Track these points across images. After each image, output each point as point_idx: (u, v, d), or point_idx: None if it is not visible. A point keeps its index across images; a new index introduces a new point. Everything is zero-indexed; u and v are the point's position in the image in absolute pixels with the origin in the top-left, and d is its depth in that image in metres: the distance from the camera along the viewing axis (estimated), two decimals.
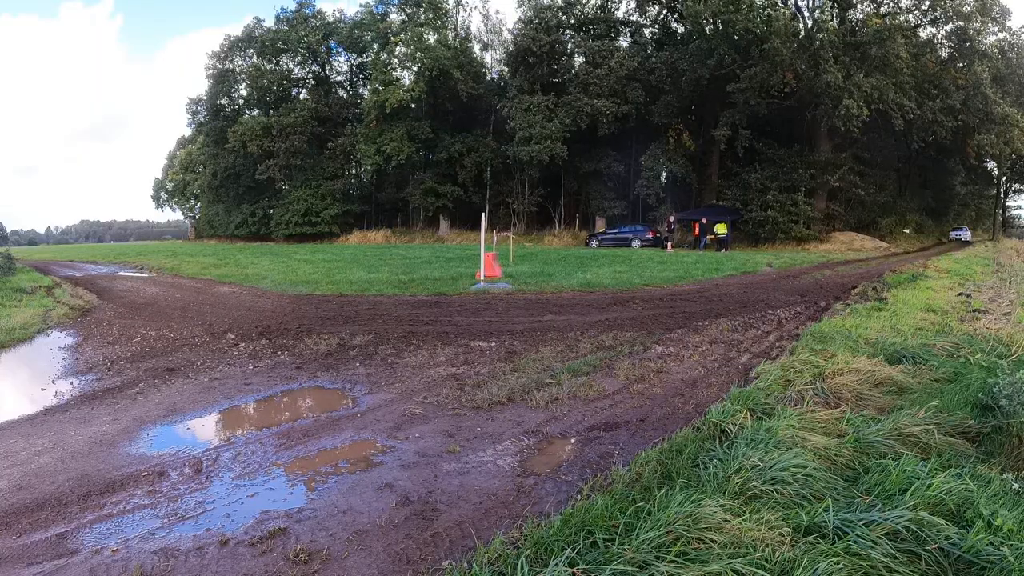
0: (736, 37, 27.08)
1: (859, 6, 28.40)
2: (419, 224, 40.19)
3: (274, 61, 42.50)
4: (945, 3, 27.62)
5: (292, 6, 43.29)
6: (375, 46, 38.26)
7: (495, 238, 17.52)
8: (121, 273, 19.39)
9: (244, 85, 43.52)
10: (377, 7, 38.89)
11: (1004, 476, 3.17)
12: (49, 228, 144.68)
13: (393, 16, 38.37)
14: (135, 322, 9.21)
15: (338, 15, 44.40)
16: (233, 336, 7.97)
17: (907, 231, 34.94)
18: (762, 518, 2.66)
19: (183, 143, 64.16)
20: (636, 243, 29.83)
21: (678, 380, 5.70)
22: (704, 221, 28.18)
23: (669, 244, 27.49)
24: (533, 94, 32.80)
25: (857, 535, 2.51)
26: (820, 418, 4.04)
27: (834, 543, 2.50)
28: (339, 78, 45.41)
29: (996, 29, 30.90)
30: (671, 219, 29.33)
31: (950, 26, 28.69)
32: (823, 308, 9.76)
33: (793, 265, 18.93)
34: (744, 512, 2.71)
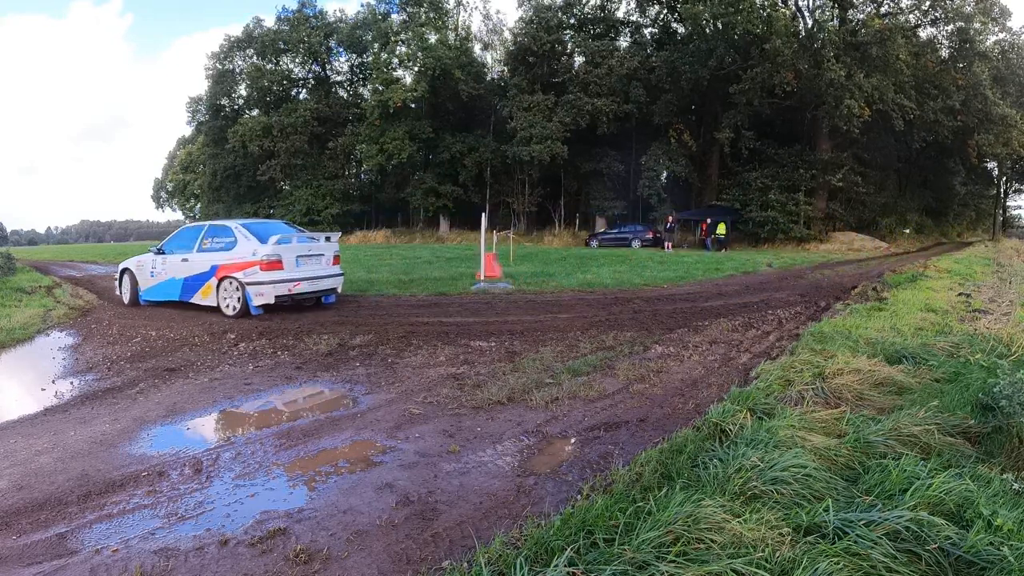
0: (736, 37, 27.10)
1: (860, 6, 28.42)
2: (419, 224, 40.21)
3: (274, 61, 42.47)
4: (945, 3, 27.64)
5: (293, 6, 43.36)
6: (376, 46, 38.25)
7: (495, 238, 17.51)
8: None
9: (244, 85, 43.49)
10: (378, 6, 38.95)
11: (1004, 476, 3.17)
12: (49, 228, 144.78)
13: (394, 16, 38.42)
14: (135, 322, 9.21)
15: (339, 15, 44.47)
16: (233, 336, 7.97)
17: (907, 231, 34.95)
18: (762, 518, 2.66)
19: (183, 143, 64.14)
20: (636, 243, 29.85)
21: (678, 380, 5.70)
22: (709, 221, 28.20)
23: (668, 244, 27.49)
24: (533, 93, 32.82)
25: (857, 535, 2.51)
26: (820, 418, 4.03)
27: (834, 543, 2.50)
28: (339, 78, 45.41)
29: (996, 30, 30.96)
30: (671, 219, 29.35)
31: (950, 26, 28.71)
32: (823, 308, 9.76)
33: (793, 265, 18.94)
34: (744, 512, 2.71)
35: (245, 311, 9.12)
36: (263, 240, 9.23)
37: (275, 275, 9.05)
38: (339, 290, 10.33)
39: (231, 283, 9.25)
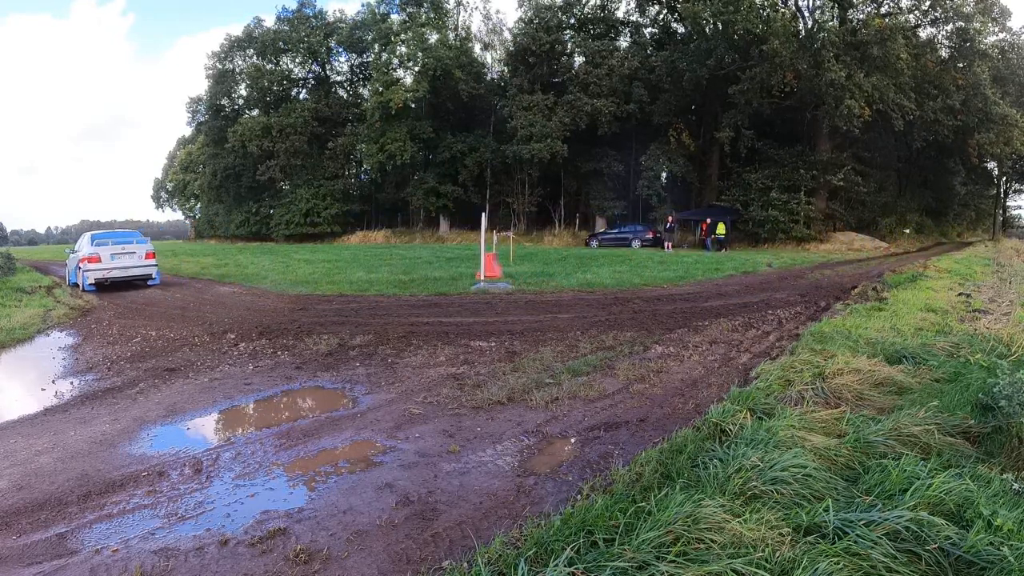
0: (736, 37, 27.07)
1: (859, 6, 28.40)
2: (419, 224, 40.18)
3: (274, 61, 42.46)
4: (945, 3, 27.61)
5: (293, 6, 43.33)
6: (376, 46, 38.24)
7: (495, 238, 17.50)
8: None
9: (244, 85, 43.47)
10: (378, 7, 38.92)
11: (1004, 476, 3.17)
12: (49, 228, 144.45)
13: (394, 16, 38.39)
14: (135, 322, 9.21)
15: (339, 15, 44.45)
16: (233, 336, 7.97)
17: (907, 231, 34.90)
18: (762, 518, 2.66)
19: (183, 143, 64.12)
20: (636, 243, 29.82)
21: (678, 380, 5.70)
22: (709, 221, 28.19)
23: (668, 244, 27.48)
24: (533, 93, 32.81)
25: (857, 535, 2.51)
26: (820, 418, 4.03)
27: (834, 543, 2.50)
28: (339, 78, 45.39)
29: (996, 29, 30.89)
30: (671, 219, 29.34)
31: (950, 26, 28.67)
32: (823, 308, 9.76)
33: (793, 265, 18.93)
34: (744, 512, 2.71)
35: (83, 288, 13.55)
36: (92, 244, 13.67)
37: (95, 266, 13.38)
38: (155, 275, 14.17)
39: (80, 271, 13.79)
